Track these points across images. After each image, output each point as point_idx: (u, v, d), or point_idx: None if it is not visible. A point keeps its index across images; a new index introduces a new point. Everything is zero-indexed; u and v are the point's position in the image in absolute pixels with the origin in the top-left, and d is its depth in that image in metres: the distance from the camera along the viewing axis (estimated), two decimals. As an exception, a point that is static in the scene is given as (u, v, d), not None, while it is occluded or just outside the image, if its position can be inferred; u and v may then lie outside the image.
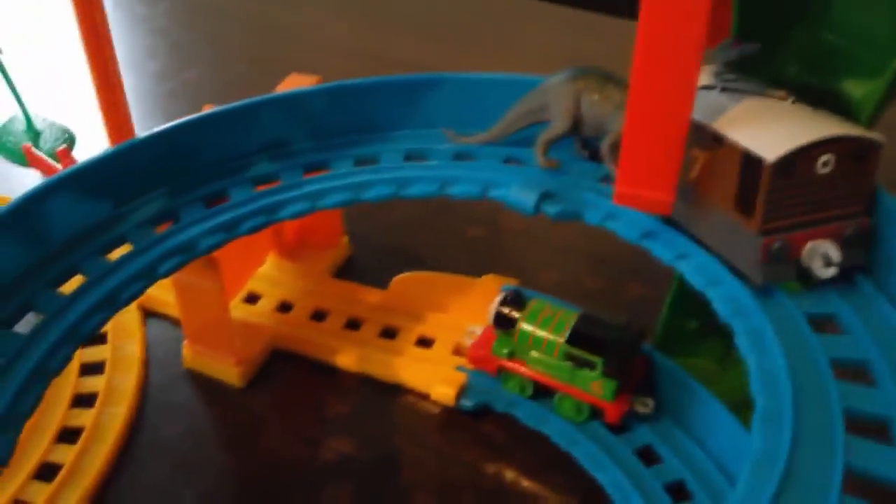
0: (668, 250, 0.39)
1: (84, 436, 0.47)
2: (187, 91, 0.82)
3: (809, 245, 0.34)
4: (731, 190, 0.34)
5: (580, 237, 0.61)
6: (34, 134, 0.63)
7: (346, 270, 0.60)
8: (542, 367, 0.46)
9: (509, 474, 0.46)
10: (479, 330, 0.50)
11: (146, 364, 0.53)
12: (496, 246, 0.63)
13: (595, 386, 0.45)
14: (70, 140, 0.68)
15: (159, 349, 0.54)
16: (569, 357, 0.45)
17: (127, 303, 0.41)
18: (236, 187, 0.46)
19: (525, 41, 0.88)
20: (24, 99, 0.63)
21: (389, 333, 0.54)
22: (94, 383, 0.51)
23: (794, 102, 0.35)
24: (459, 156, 0.48)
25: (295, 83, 0.54)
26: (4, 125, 0.63)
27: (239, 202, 0.45)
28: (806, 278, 0.35)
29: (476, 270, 0.56)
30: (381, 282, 0.57)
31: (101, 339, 0.54)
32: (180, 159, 0.46)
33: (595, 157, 0.44)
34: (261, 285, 0.58)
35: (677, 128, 0.33)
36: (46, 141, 0.64)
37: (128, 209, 0.45)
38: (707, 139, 0.35)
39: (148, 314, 0.57)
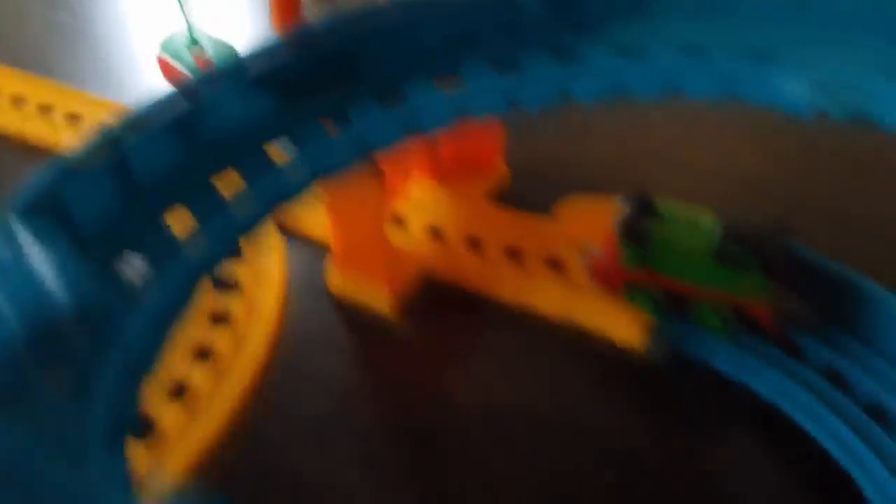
0: None
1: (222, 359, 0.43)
2: None
3: None
4: None
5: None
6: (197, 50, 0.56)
7: (504, 198, 0.54)
8: (684, 275, 0.41)
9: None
10: (595, 247, 0.45)
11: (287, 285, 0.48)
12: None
13: (747, 288, 0.40)
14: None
15: (298, 272, 0.49)
16: (721, 257, 0.40)
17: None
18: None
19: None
20: (189, 14, 0.55)
21: (556, 265, 0.48)
22: (231, 302, 0.46)
23: None
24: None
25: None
26: (165, 42, 0.57)
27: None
28: None
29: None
30: (541, 207, 0.51)
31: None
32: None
33: None
34: (405, 208, 0.52)
35: None
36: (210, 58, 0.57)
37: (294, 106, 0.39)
38: None
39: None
